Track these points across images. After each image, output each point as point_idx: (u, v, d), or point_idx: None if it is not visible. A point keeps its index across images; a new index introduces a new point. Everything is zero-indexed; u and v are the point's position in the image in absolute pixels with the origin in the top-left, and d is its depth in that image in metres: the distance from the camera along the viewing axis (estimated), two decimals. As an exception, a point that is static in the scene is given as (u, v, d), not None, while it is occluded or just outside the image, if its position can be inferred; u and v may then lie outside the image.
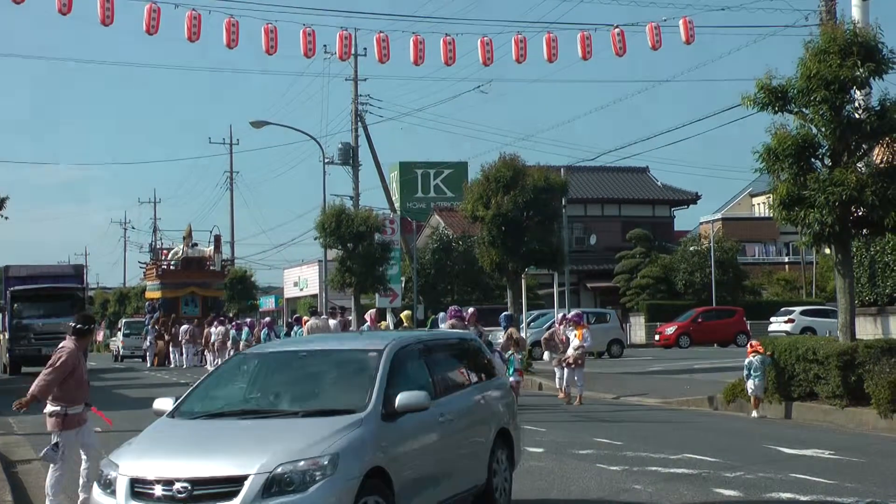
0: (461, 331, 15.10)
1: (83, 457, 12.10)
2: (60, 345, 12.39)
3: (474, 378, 11.78)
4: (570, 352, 25.13)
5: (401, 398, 9.65)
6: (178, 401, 10.20)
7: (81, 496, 11.88)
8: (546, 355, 27.86)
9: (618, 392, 27.06)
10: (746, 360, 21.77)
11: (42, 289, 48.03)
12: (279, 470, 8.59)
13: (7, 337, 47.63)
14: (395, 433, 9.59)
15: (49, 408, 12.01)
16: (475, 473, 10.99)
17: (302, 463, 8.67)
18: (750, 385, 21.62)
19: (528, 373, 28.57)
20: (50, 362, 12.08)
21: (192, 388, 10.60)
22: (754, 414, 21.42)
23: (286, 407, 10.04)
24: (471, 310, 25.73)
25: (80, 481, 12.03)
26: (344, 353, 10.91)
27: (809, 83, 19.85)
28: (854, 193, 19.44)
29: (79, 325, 12.50)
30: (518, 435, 12.25)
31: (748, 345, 22.66)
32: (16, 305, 47.83)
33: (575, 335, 25.24)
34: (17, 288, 48.47)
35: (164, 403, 10.24)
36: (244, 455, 8.80)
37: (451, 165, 76.78)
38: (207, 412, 10.01)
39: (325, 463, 8.70)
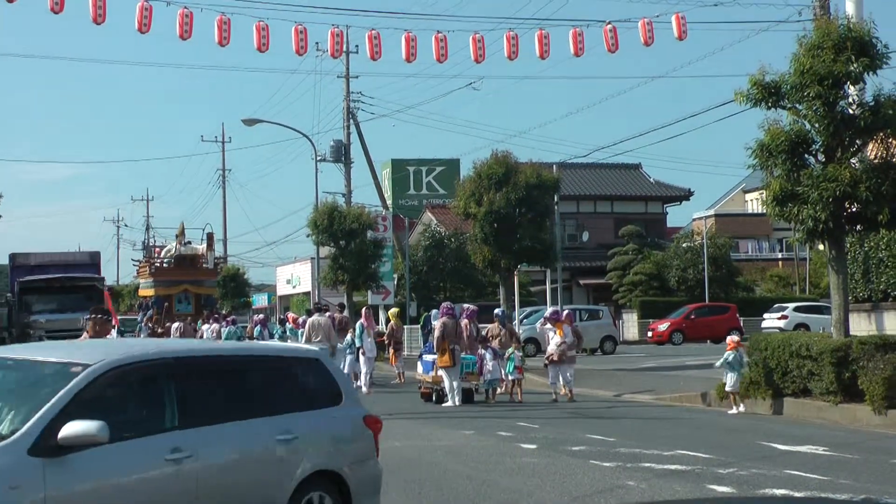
0: (281, 345, 11.15)
1: None
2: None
3: (285, 405, 9.34)
4: (551, 348, 25.11)
5: (66, 429, 7.59)
6: None
7: None
8: None
9: (611, 389, 27.02)
10: (730, 356, 21.90)
11: (54, 279, 42.61)
12: None
13: (14, 334, 42.30)
14: (56, 472, 7.56)
15: None
16: None
17: None
18: (731, 381, 21.78)
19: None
20: None
21: None
22: (742, 408, 21.55)
23: None
24: (473, 307, 25.76)
25: None
26: (44, 365, 8.59)
27: (803, 79, 19.81)
28: (848, 189, 19.41)
29: (92, 316, 12.38)
30: (364, 482, 9.64)
31: (729, 340, 22.66)
32: (24, 298, 42.24)
33: (555, 332, 25.22)
34: (25, 279, 42.86)
35: None
36: None
37: (443, 162, 76.78)
38: None
39: None
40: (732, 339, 22.63)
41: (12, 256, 46.51)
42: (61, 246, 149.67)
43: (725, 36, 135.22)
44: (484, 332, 25.37)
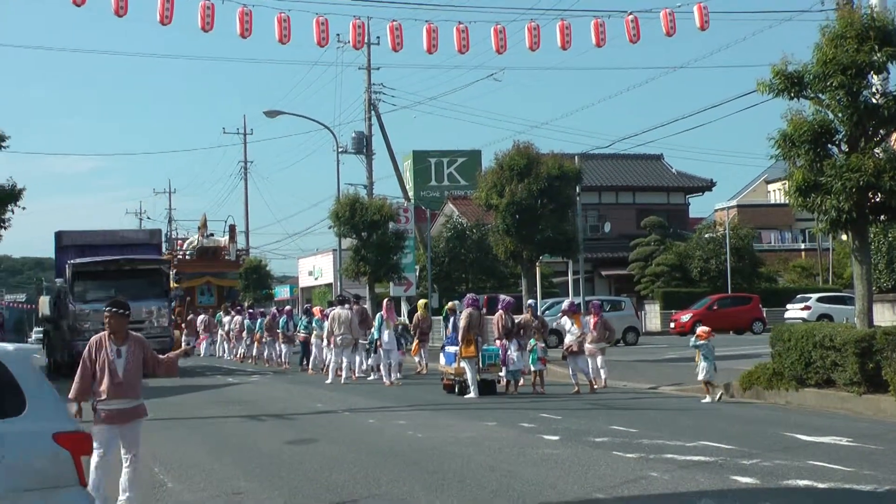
0: None
1: (124, 456, 11.24)
2: (93, 338, 11.50)
3: None
4: (569, 340, 25.10)
5: None
6: None
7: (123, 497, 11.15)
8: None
9: (634, 380, 27.00)
10: (700, 342, 22.15)
11: (112, 262, 36.01)
12: None
13: (65, 326, 35.52)
14: None
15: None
16: None
17: None
18: (704, 371, 22.04)
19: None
20: (83, 358, 11.27)
21: None
22: (713, 398, 21.79)
23: None
24: (509, 299, 25.84)
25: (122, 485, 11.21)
26: None
27: (826, 68, 19.73)
28: (871, 179, 19.33)
29: (112, 310, 11.44)
30: None
31: (700, 331, 22.88)
32: (77, 284, 35.23)
33: (573, 323, 25.22)
34: (79, 261, 35.93)
35: None
36: None
37: (464, 154, 76.79)
38: None
39: None
40: (703, 329, 22.87)
41: (59, 235, 38.86)
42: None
43: (748, 26, 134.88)
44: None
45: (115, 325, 11.44)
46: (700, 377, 22.21)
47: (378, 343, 28.85)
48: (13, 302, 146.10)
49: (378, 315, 29.60)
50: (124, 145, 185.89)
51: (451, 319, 27.04)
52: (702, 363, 22.09)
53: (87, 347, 11.39)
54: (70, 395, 11.09)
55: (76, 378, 11.27)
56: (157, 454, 11.26)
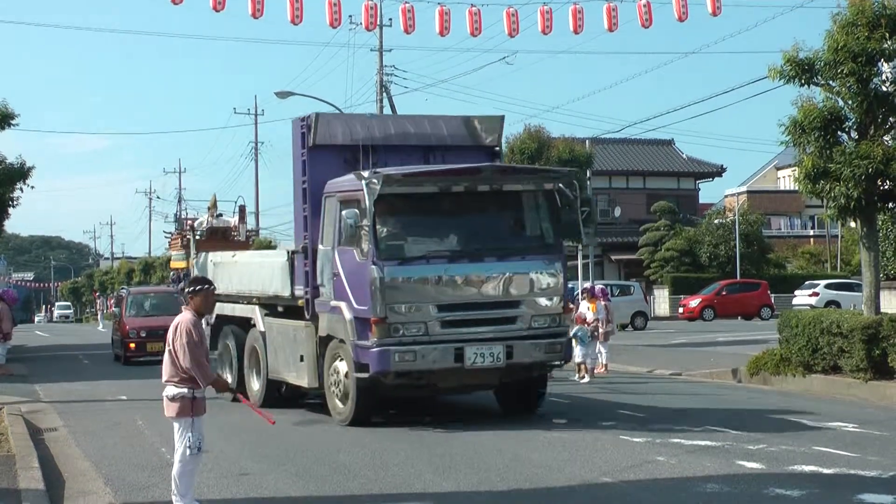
0: None
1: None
2: (176, 318, 9.94)
3: None
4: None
5: None
6: None
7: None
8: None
9: (642, 365, 27.05)
10: (578, 330, 23.46)
11: (461, 174, 16.38)
12: None
13: (355, 312, 15.96)
14: None
15: (172, 390, 10.00)
16: None
17: None
18: (581, 353, 23.42)
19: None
20: (181, 343, 9.82)
21: None
22: (586, 379, 23.24)
23: None
24: (599, 286, 26.06)
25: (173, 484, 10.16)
26: None
27: (836, 56, 19.73)
28: (880, 167, 19.35)
29: (192, 288, 10.08)
30: None
31: (576, 317, 24.02)
32: (385, 226, 15.78)
33: (589, 308, 25.21)
34: (392, 173, 16.03)
35: None
36: None
37: (475, 137, 76.58)
38: None
39: None
40: (580, 315, 24.18)
41: (310, 124, 17.40)
42: (94, 218, 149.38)
43: (759, 12, 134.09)
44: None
45: (206, 305, 10.21)
46: (577, 359, 23.35)
47: None
48: (21, 280, 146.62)
49: None
50: (134, 125, 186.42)
51: None
52: (579, 346, 23.24)
53: (193, 326, 9.96)
54: (210, 383, 10.11)
55: (201, 363, 9.94)
56: (164, 434, 11.31)
